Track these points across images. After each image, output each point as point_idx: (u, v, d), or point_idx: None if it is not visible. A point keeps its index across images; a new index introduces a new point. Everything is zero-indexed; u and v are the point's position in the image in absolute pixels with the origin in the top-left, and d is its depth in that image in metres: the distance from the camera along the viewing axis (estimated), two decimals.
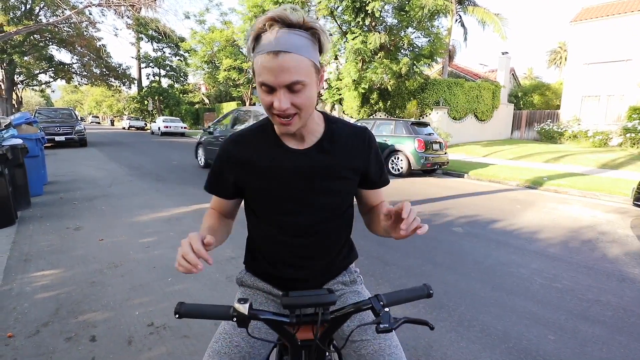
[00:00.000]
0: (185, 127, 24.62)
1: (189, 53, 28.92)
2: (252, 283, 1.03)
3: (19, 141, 4.62)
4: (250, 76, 24.04)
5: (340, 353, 0.94)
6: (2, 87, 23.08)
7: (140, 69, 35.14)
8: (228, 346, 0.87)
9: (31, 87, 30.92)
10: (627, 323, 2.35)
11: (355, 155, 0.92)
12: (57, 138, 12.83)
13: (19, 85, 27.83)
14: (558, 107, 19.71)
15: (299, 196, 0.90)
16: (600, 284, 2.94)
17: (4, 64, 23.01)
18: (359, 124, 0.99)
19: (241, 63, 23.52)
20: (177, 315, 0.70)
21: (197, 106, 37.17)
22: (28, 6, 22.07)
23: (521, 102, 22.47)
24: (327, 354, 0.86)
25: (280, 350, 0.94)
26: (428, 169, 8.79)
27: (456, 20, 18.69)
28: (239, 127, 6.36)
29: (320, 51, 0.77)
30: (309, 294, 0.73)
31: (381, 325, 0.69)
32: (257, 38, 0.73)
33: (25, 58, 23.79)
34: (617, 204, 6.17)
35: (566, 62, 19.56)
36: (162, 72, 36.05)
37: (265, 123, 0.93)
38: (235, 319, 0.68)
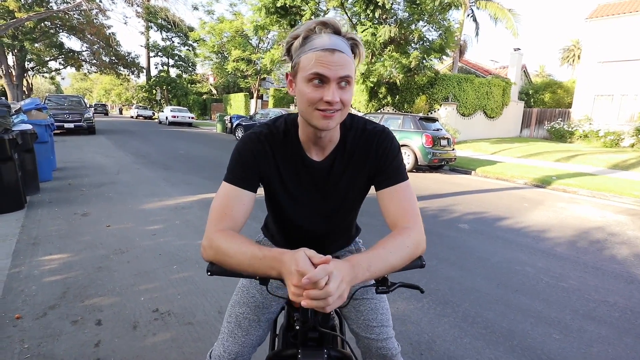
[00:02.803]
0: (192, 117, 24.68)
1: (197, 43, 28.90)
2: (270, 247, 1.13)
3: (28, 127, 4.66)
4: (258, 68, 23.99)
5: (340, 311, 1.12)
6: (13, 73, 23.28)
7: (149, 58, 35.21)
8: (246, 296, 1.05)
9: (41, 74, 31.11)
10: (635, 325, 2.32)
11: (365, 161, 0.94)
12: (66, 125, 12.93)
13: (29, 72, 28.06)
14: (569, 105, 19.38)
15: (312, 205, 0.98)
16: (607, 284, 2.91)
17: (15, 51, 23.19)
18: (377, 125, 0.97)
19: (250, 54, 23.44)
20: (209, 273, 0.79)
21: (204, 96, 37.23)
22: None
23: (532, 100, 22.13)
24: (330, 313, 0.94)
25: (290, 306, 1.01)
26: (435, 165, 8.72)
27: (468, 15, 18.40)
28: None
29: (357, 60, 0.84)
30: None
31: (380, 287, 0.82)
32: (304, 38, 0.80)
33: (36, 45, 23.98)
34: (627, 205, 6.08)
35: (579, 60, 19.18)
36: (171, 62, 36.11)
37: (288, 129, 0.93)
38: (257, 278, 0.76)
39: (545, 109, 19.86)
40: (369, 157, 0.94)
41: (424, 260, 0.85)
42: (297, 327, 0.86)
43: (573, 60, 37.59)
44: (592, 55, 17.11)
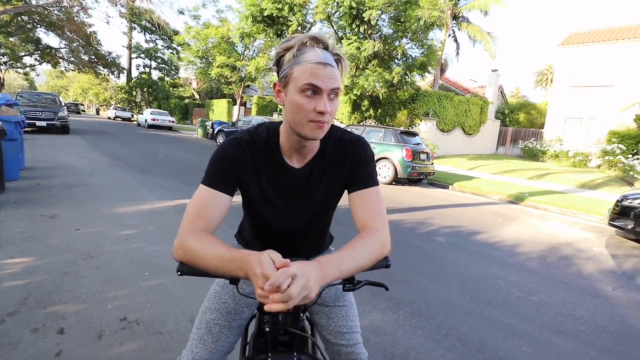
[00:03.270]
0: (173, 121, 24.21)
1: (182, 47, 28.60)
2: None
3: None
4: (243, 75, 23.93)
5: (311, 317, 1.14)
6: None
7: (130, 59, 34.45)
8: (217, 302, 1.05)
9: (15, 69, 29.88)
10: (599, 338, 2.40)
11: (342, 168, 0.98)
12: (38, 123, 12.38)
13: (1, 67, 26.88)
14: (542, 126, 20.27)
15: (289, 209, 1.01)
16: (574, 299, 3.01)
17: None
18: (354, 135, 1.02)
19: (235, 61, 23.36)
20: (179, 273, 0.80)
21: (186, 101, 36.69)
22: None
23: (507, 119, 23.04)
24: (300, 317, 0.94)
25: (261, 309, 1.02)
26: (414, 178, 8.87)
27: (449, 35, 19.06)
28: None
29: (341, 74, 0.90)
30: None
31: (347, 285, 0.85)
32: (297, 50, 0.84)
33: (11, 39, 23.08)
34: (593, 222, 6.36)
35: (552, 84, 20.20)
36: (153, 64, 35.45)
37: (270, 137, 0.96)
38: (227, 277, 0.78)
39: (520, 128, 20.70)
40: (345, 164, 0.98)
41: (389, 260, 0.88)
42: (267, 329, 0.87)
43: (546, 84, 39.50)
44: (563, 79, 18.06)
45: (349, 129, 1.09)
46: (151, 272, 2.73)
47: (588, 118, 17.22)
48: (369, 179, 0.96)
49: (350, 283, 0.85)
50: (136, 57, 34.91)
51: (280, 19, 14.97)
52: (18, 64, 27.53)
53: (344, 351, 1.05)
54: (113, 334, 1.95)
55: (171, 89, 35.71)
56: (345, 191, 1.02)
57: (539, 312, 2.72)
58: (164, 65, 35.46)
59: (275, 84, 0.90)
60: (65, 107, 14.79)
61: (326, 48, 0.85)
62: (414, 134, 9.64)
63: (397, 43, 14.22)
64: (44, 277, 2.51)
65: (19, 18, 21.47)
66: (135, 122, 28.44)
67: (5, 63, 26.69)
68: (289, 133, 0.91)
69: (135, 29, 32.24)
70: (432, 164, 9.36)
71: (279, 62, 0.87)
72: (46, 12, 20.91)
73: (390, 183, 8.77)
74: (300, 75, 0.81)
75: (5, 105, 5.56)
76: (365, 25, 13.36)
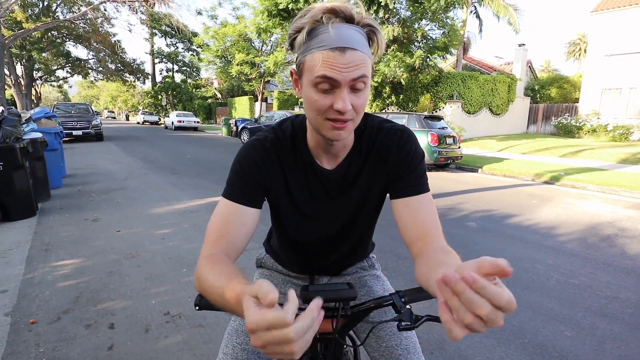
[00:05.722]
0: (198, 122, 24.89)
1: (201, 48, 29.11)
2: (272, 265, 1.05)
3: (38, 135, 4.75)
4: (262, 70, 24.09)
5: (356, 348, 0.94)
6: (22, 82, 23.69)
7: (153, 64, 35.59)
8: (244, 324, 0.87)
9: (49, 83, 31.62)
10: None
11: (383, 166, 0.82)
12: (74, 132, 13.11)
13: (37, 81, 28.55)
14: (576, 100, 19.16)
15: (319, 217, 0.88)
16: (619, 280, 2.87)
17: (24, 60, 23.61)
18: (396, 124, 0.85)
19: (253, 57, 23.55)
20: (197, 308, 0.67)
21: (209, 101, 37.48)
22: (45, 3, 22.50)
23: (538, 96, 21.92)
24: (344, 347, 0.83)
25: None
26: (441, 164, 8.68)
27: (471, 12, 18.30)
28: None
29: (374, 51, 0.70)
30: (330, 288, 0.69)
31: (403, 323, 0.66)
32: (310, 31, 0.65)
33: (44, 54, 24.36)
34: (638, 199, 5.99)
35: (586, 54, 18.98)
36: (175, 68, 36.43)
37: (296, 133, 0.82)
38: None
39: (552, 104, 19.66)
40: (388, 159, 0.81)
41: None
42: None
43: (579, 54, 37.16)
44: (598, 48, 16.91)
45: (396, 123, 0.87)
46: (189, 269, 2.86)
47: (627, 88, 16.08)
48: (420, 183, 0.79)
49: (406, 320, 0.66)
50: (159, 62, 36.03)
51: (296, 11, 14.89)
52: (52, 77, 29.13)
53: None
54: (158, 328, 2.07)
55: (194, 90, 36.60)
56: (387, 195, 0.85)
57: (580, 295, 2.61)
58: (185, 68, 36.40)
59: (292, 72, 0.74)
60: (99, 116, 15.56)
61: (350, 20, 0.66)
62: (439, 118, 9.40)
63: (416, 25, 13.80)
64: (92, 276, 2.69)
65: (49, 34, 22.60)
66: (162, 125, 29.45)
67: (40, 78, 28.31)
68: (313, 131, 0.77)
69: (156, 34, 33.18)
70: (459, 147, 9.10)
71: (292, 46, 0.70)
72: (73, 25, 21.88)
73: None
74: (313, 64, 0.65)
75: (45, 118, 5.92)
76: (383, 10, 13.03)
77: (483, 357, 1.88)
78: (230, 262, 0.67)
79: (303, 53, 0.67)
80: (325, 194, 0.84)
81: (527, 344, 2.01)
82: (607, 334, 2.13)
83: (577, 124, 16.64)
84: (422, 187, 0.79)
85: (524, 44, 19.91)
